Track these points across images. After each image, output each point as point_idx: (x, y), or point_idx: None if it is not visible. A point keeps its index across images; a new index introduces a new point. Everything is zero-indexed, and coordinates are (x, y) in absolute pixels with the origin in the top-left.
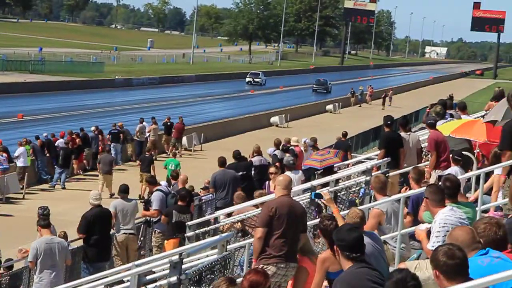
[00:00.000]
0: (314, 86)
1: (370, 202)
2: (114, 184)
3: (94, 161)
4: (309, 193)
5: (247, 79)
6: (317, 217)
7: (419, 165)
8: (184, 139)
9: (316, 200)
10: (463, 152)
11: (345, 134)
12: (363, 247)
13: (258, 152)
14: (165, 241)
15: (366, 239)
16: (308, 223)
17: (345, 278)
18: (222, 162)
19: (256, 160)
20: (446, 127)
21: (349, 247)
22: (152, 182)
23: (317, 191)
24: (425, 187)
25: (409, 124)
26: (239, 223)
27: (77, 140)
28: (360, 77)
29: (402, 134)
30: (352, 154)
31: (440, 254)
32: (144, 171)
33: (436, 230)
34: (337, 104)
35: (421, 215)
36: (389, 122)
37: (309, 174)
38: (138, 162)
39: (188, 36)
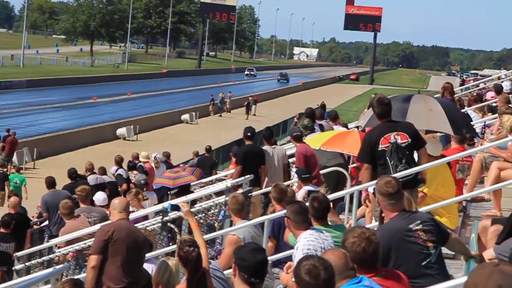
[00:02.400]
0: (279, 77)
1: (230, 226)
2: None
3: None
4: (161, 216)
5: (246, 72)
6: (170, 243)
7: (287, 182)
8: (14, 155)
9: (172, 215)
10: (336, 168)
11: (209, 149)
12: (264, 273)
13: (91, 169)
14: None
15: (211, 271)
16: (160, 250)
17: None
18: (50, 182)
19: (91, 179)
20: (316, 140)
21: (251, 270)
22: None
23: (174, 203)
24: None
25: (273, 136)
26: (72, 253)
27: None
28: (220, 82)
29: (266, 147)
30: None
31: (303, 271)
32: None
33: (299, 257)
34: (194, 113)
35: (286, 236)
36: (249, 134)
37: (162, 194)
38: None
39: (17, 35)
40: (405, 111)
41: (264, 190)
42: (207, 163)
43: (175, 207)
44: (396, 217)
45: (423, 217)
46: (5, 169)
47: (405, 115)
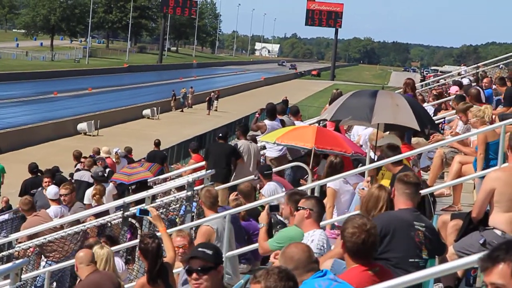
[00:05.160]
0: (289, 67)
1: (192, 221)
2: None
3: None
4: (121, 212)
5: (279, 63)
6: (132, 239)
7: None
8: None
9: (133, 210)
10: (297, 163)
11: (158, 143)
12: None
13: (79, 158)
14: None
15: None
16: (120, 245)
17: None
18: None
19: (78, 175)
20: (272, 135)
21: None
22: None
23: (144, 207)
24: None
25: (248, 131)
26: (32, 248)
27: None
28: (181, 77)
29: (242, 141)
30: (172, 166)
31: (273, 278)
32: None
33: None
34: (155, 108)
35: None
36: (220, 135)
37: (123, 189)
38: None
39: None
40: (372, 105)
41: (231, 183)
42: (157, 157)
43: (144, 212)
44: (407, 210)
45: (430, 224)
46: None
47: (372, 110)
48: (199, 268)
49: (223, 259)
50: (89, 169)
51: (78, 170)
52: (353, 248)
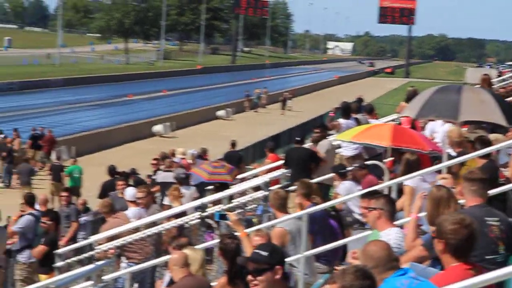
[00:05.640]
0: (367, 64)
1: (269, 221)
2: None
3: None
4: (199, 211)
5: (358, 61)
6: (209, 239)
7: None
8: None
9: (210, 210)
10: (374, 162)
11: (234, 143)
12: None
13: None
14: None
15: None
16: (199, 246)
17: None
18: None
19: (162, 176)
20: (347, 133)
21: None
22: (30, 202)
23: (222, 212)
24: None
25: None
26: (113, 250)
27: None
28: (254, 78)
29: (325, 142)
30: (249, 167)
31: (349, 278)
32: (56, 181)
33: None
34: (229, 109)
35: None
36: (297, 138)
37: (201, 190)
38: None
39: (52, 34)
40: (457, 103)
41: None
42: (234, 158)
43: (223, 217)
44: (476, 206)
45: (505, 218)
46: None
47: (457, 108)
48: (253, 270)
49: (300, 259)
50: (170, 170)
51: (155, 171)
52: (455, 244)
